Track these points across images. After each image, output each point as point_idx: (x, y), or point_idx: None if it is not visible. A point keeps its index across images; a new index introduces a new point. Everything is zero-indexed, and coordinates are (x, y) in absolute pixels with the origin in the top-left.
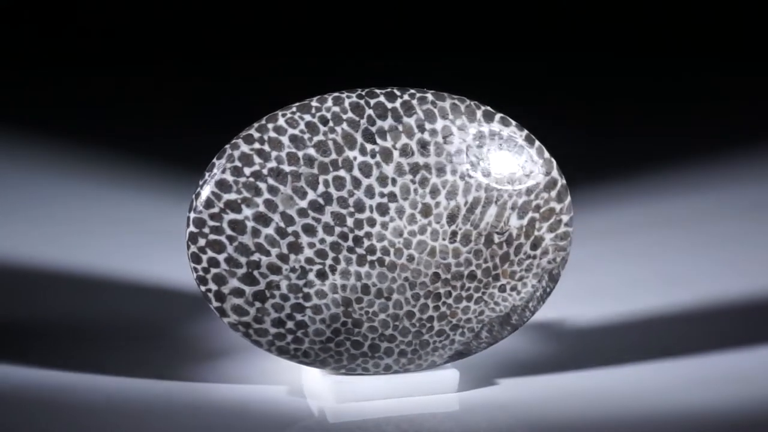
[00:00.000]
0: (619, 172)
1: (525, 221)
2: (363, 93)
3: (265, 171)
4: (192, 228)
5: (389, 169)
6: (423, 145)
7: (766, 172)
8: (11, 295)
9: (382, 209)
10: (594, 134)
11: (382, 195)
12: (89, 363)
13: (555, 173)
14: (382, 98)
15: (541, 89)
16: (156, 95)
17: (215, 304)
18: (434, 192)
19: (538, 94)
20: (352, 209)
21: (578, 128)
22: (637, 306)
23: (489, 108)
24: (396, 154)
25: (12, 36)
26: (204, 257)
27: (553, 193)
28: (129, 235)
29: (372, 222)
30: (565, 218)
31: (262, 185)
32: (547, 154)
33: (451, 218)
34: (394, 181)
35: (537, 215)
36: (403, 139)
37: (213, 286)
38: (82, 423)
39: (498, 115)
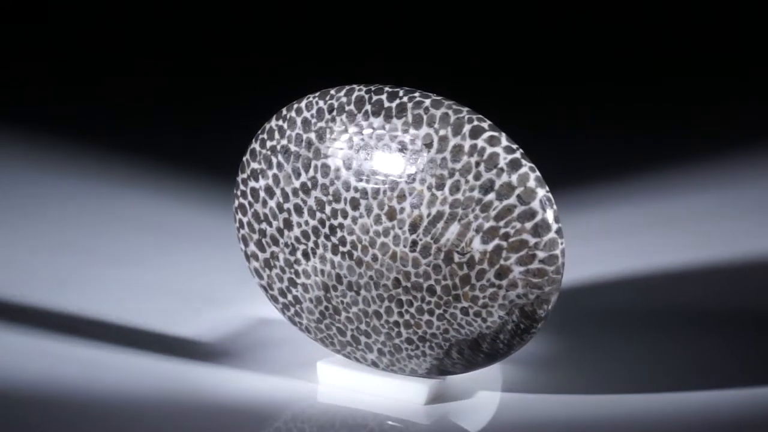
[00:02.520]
0: (618, 172)
1: (489, 247)
2: (372, 89)
3: (278, 147)
4: (234, 188)
5: (363, 167)
6: (401, 149)
7: (765, 172)
8: (11, 294)
9: (354, 204)
10: (591, 135)
11: (356, 190)
12: (89, 363)
13: (535, 205)
14: (384, 96)
15: (542, 89)
16: (159, 94)
17: (246, 264)
18: (401, 197)
19: (539, 94)
20: (330, 198)
21: (576, 129)
22: (628, 310)
23: (485, 124)
24: (376, 152)
25: (12, 35)
26: (237, 217)
27: (528, 225)
28: (130, 234)
29: (345, 214)
30: (541, 255)
31: (274, 159)
32: (531, 183)
33: (413, 227)
34: (368, 179)
35: (505, 243)
36: (386, 140)
37: (242, 246)
38: (82, 422)
39: (488, 133)
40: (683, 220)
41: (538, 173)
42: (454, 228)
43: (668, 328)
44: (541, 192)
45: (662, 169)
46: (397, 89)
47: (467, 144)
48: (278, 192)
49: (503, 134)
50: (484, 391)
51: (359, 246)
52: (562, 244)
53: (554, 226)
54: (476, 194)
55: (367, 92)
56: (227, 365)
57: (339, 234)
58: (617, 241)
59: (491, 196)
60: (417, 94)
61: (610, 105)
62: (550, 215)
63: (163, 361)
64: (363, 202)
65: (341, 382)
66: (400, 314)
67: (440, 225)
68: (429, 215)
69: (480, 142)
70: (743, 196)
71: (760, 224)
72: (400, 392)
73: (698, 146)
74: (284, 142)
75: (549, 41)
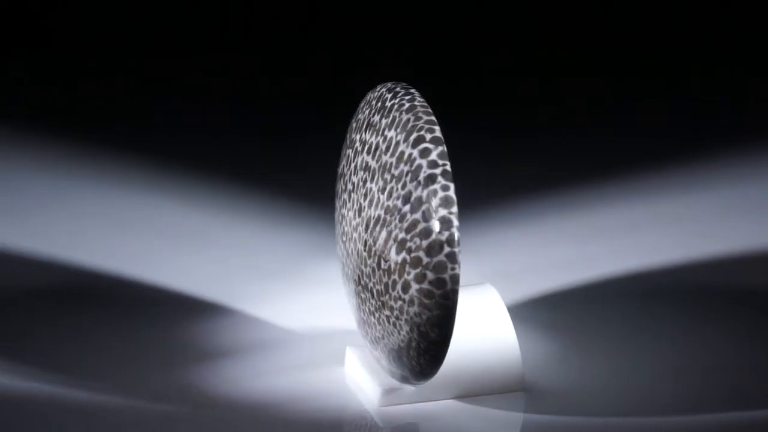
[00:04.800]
0: (616, 171)
1: (399, 258)
2: (390, 86)
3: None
4: None
5: (359, 161)
6: (376, 148)
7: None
8: (11, 292)
9: (348, 196)
10: (592, 134)
11: (351, 183)
12: (90, 363)
13: (434, 224)
14: (390, 95)
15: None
16: (162, 92)
17: None
18: (365, 196)
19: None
20: (342, 186)
21: (577, 129)
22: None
23: (429, 135)
24: (366, 149)
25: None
26: None
27: (425, 243)
28: (131, 234)
29: (344, 204)
30: (430, 275)
31: (343, 145)
32: (436, 201)
33: (366, 227)
34: (357, 174)
35: (408, 258)
36: (373, 137)
37: None
38: (82, 423)
39: (424, 144)
40: (683, 219)
41: (450, 193)
42: (383, 234)
43: (670, 328)
44: (443, 212)
45: (661, 168)
46: (401, 89)
47: (407, 152)
48: (338, 176)
49: (439, 148)
50: (455, 401)
51: (347, 237)
52: (452, 269)
53: (446, 250)
54: (399, 203)
55: (387, 90)
56: (227, 367)
57: (342, 223)
58: (617, 240)
59: (407, 207)
60: (407, 97)
61: (610, 103)
62: (444, 237)
63: (161, 363)
64: (352, 196)
65: (350, 368)
66: (363, 311)
67: (377, 228)
68: (373, 217)
69: (414, 152)
70: (741, 196)
71: (761, 225)
72: (366, 390)
73: (697, 146)
74: (348, 130)
75: (541, 38)
